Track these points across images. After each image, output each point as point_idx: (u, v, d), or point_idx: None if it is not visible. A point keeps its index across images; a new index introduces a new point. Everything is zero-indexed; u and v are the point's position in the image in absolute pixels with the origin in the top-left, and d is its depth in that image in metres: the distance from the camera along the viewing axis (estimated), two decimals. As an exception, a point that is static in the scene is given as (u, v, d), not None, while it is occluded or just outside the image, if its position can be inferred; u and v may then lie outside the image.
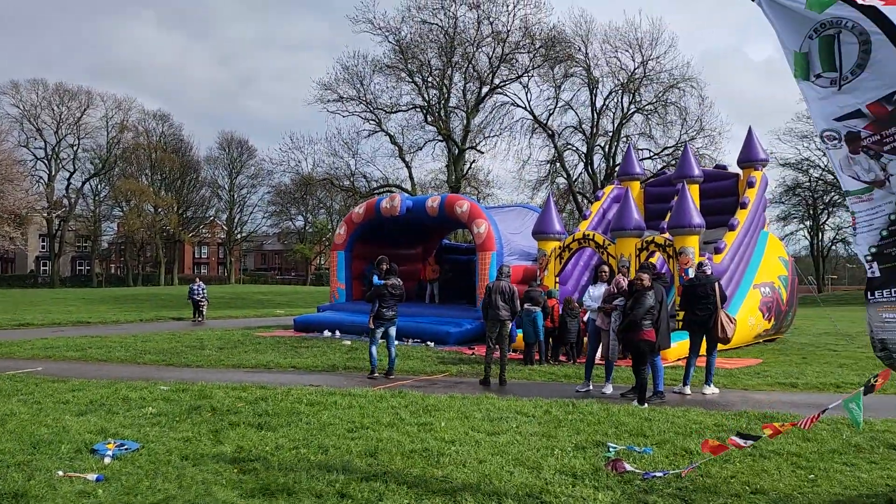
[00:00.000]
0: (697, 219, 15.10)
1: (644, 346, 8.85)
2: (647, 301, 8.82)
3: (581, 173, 49.06)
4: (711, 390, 9.97)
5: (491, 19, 39.58)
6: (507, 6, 39.32)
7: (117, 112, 70.11)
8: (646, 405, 8.66)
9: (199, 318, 25.05)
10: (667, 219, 17.25)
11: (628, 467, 5.42)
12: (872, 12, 3.84)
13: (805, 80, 4.20)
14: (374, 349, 11.67)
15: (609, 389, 10.04)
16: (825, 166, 53.68)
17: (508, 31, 39.40)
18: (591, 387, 10.27)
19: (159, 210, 71.38)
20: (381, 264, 12.92)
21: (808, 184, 54.77)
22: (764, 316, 16.60)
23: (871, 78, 3.90)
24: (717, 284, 9.98)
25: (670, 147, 45.75)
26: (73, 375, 11.05)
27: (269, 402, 8.28)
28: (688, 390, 10.06)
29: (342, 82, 40.19)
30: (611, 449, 6.17)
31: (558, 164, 47.09)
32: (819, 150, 53.41)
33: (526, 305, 13.17)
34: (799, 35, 4.13)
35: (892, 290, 4.11)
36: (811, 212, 57.36)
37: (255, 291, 59.06)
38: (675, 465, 5.78)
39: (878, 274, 4.17)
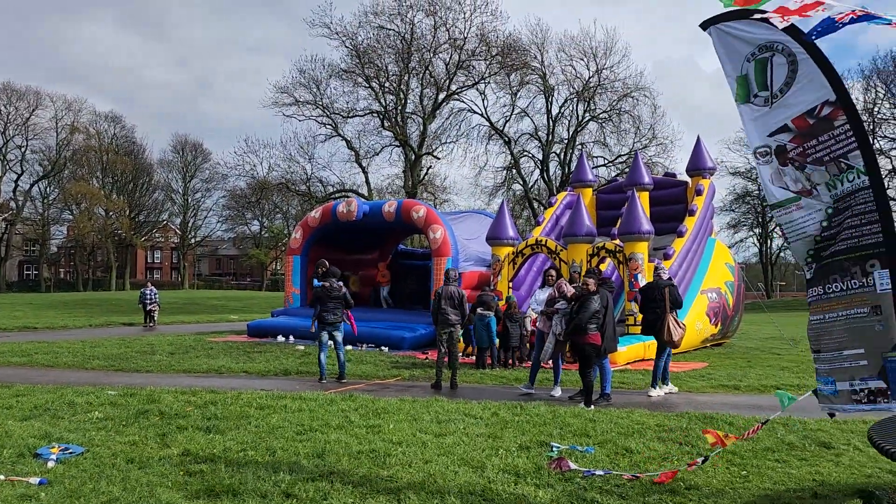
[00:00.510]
0: (647, 226, 15.45)
1: (589, 349, 9.05)
2: (593, 305, 9.03)
3: (537, 180, 49.62)
4: (657, 393, 10.22)
5: (448, 26, 39.82)
6: (464, 13, 39.65)
7: (67, 113, 68.57)
8: (592, 407, 8.86)
9: (151, 324, 24.71)
10: (617, 225, 17.63)
11: (573, 466, 5.57)
12: (795, 33, 4.10)
13: (744, 102, 4.47)
14: (322, 356, 11.64)
15: (557, 392, 10.21)
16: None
17: (465, 38, 39.68)
18: (533, 389, 10.39)
19: (111, 213, 69.96)
20: (320, 267, 12.96)
21: (757, 192, 56.13)
22: (711, 321, 17.03)
23: (797, 94, 4.17)
24: (667, 289, 10.21)
25: (624, 155, 46.54)
26: (17, 381, 10.83)
27: (219, 406, 8.27)
28: (664, 388, 10.34)
29: (298, 86, 40.02)
30: (554, 449, 6.33)
31: (514, 171, 47.55)
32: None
33: (479, 310, 13.32)
34: (741, 60, 4.41)
35: (817, 289, 4.36)
36: (760, 219, 58.84)
37: (210, 297, 58.31)
38: (615, 464, 5.96)
39: (810, 275, 4.43)
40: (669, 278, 10.78)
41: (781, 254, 65.61)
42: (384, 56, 40.11)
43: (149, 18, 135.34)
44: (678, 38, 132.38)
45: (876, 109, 48.13)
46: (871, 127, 47.85)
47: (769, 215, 59.02)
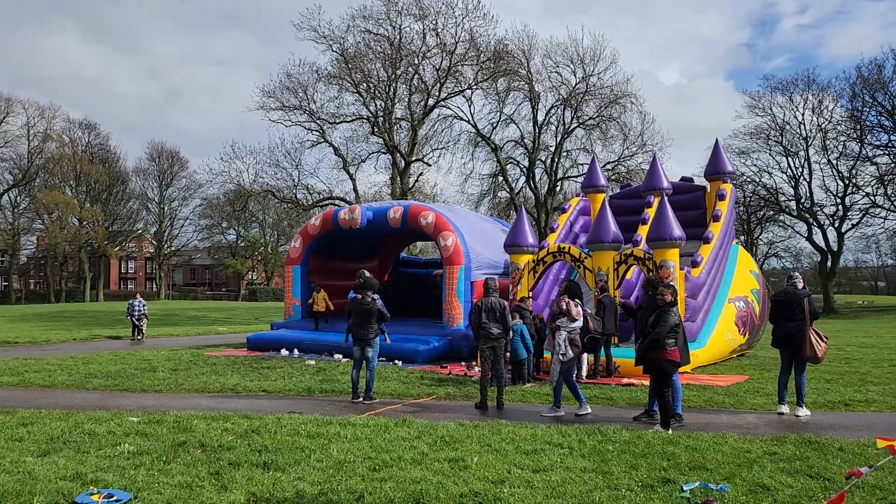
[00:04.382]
0: (678, 231, 14.67)
1: (668, 366, 8.23)
2: (672, 318, 8.21)
3: (522, 187, 48.88)
4: (804, 412, 9.34)
5: (438, 30, 39.00)
6: (455, 18, 38.85)
7: (40, 120, 66.63)
8: (670, 430, 8.03)
9: (139, 337, 23.46)
10: (639, 231, 16.90)
11: (724, 511, 4.74)
12: None
13: None
14: (354, 372, 10.80)
15: (557, 413, 9.37)
16: (759, 182, 55.05)
17: (456, 42, 38.88)
18: (589, 408, 9.55)
19: (84, 223, 68.04)
20: (358, 278, 12.07)
21: (742, 199, 55.99)
22: (739, 331, 16.36)
23: None
24: (806, 300, 9.39)
25: (612, 162, 45.99)
26: (16, 405, 9.76)
27: (263, 435, 7.30)
28: (784, 409, 9.50)
29: (284, 90, 38.89)
30: (684, 489, 5.47)
31: (501, 178, 46.82)
32: (755, 165, 54.76)
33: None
34: None
35: None
36: (745, 226, 58.65)
37: (187, 307, 56.84)
38: (761, 505, 5.14)
39: None
40: (804, 287, 9.87)
41: (766, 261, 65.59)
42: (373, 61, 39.17)
43: (116, 31, 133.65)
44: (643, 50, 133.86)
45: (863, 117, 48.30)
46: (860, 134, 47.94)
47: (754, 223, 59.02)
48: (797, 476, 5.91)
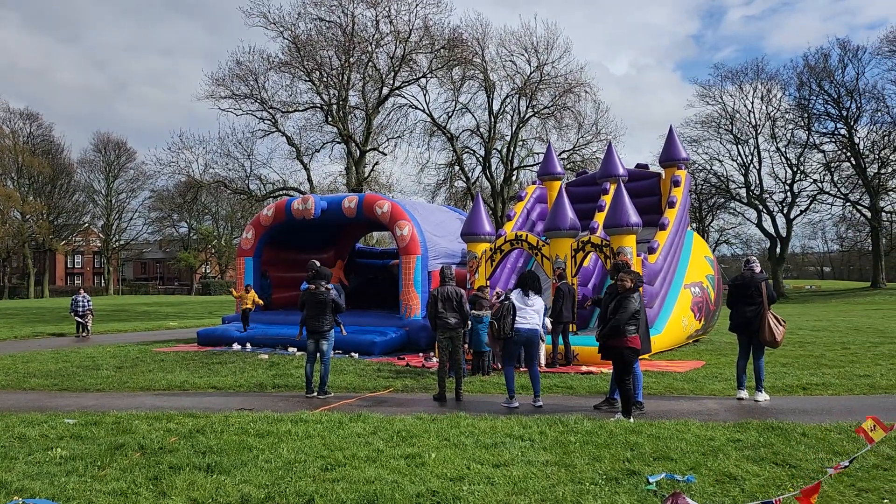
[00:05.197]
0: (634, 217, 14.60)
1: (629, 354, 8.04)
2: (632, 305, 8.01)
3: (479, 176, 48.74)
4: (763, 397, 9.22)
5: (391, 17, 38.42)
6: (408, 5, 38.30)
7: (-23, 110, 64.18)
8: (632, 419, 7.86)
9: (84, 334, 22.62)
10: (596, 218, 16.79)
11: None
12: None
13: None
14: (308, 366, 10.42)
15: (514, 405, 9.13)
16: (710, 170, 55.83)
17: (410, 30, 38.36)
18: (541, 401, 9.33)
19: (27, 217, 65.81)
20: (310, 269, 11.69)
21: (694, 187, 56.77)
22: (695, 316, 16.38)
23: None
24: (763, 284, 9.27)
25: (567, 151, 46.08)
26: (-55, 408, 9.17)
27: (209, 435, 6.90)
28: (743, 394, 9.37)
29: (234, 78, 37.90)
30: (650, 481, 5.25)
31: (457, 168, 46.56)
32: (706, 154, 55.47)
33: (474, 311, 12.16)
34: None
35: None
36: (697, 214, 59.49)
37: (138, 302, 55.54)
38: (731, 497, 4.94)
39: None
40: (762, 271, 9.74)
41: (717, 248, 66.61)
42: (326, 48, 38.42)
43: (59, 20, 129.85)
44: (593, 40, 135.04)
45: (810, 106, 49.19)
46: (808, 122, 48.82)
47: (705, 210, 59.84)
48: (763, 464, 5.76)
